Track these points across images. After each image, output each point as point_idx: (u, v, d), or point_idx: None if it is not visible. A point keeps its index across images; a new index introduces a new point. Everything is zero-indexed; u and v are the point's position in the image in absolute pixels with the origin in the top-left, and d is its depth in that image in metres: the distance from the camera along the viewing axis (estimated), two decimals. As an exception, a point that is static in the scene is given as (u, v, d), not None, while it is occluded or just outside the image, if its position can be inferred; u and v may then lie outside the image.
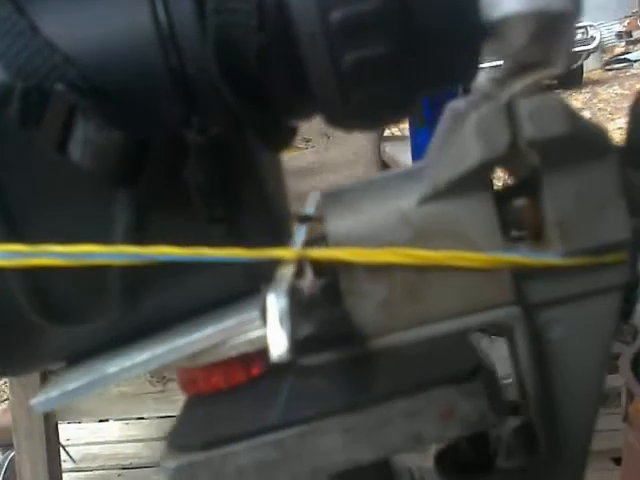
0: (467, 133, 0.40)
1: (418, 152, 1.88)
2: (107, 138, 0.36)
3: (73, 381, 0.43)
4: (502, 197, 0.44)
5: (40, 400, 0.43)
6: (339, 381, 0.42)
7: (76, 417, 2.05)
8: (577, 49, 6.93)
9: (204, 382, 0.45)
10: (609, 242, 0.42)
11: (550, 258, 0.43)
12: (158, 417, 2.31)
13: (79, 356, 0.45)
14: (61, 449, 1.92)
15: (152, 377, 1.79)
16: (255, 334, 0.42)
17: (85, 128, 0.36)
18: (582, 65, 7.16)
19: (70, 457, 2.10)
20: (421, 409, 0.39)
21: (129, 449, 2.22)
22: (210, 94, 0.38)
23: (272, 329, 0.36)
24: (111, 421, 2.37)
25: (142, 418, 2.34)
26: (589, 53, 7.10)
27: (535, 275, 0.44)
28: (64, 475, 1.89)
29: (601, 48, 7.35)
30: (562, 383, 0.45)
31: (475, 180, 0.41)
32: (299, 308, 0.39)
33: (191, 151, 0.38)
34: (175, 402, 1.78)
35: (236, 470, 0.40)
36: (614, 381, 2.19)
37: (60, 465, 1.87)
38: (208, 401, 0.44)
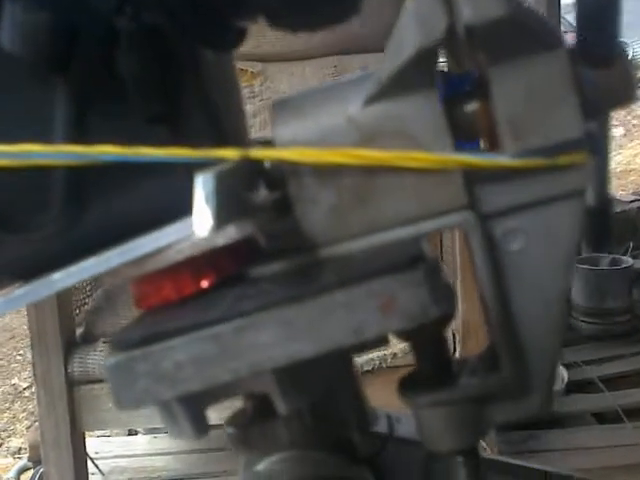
0: (404, 21, 0.39)
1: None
2: (35, 21, 0.36)
3: (18, 290, 0.43)
4: (452, 101, 0.43)
5: (-14, 307, 0.42)
6: (284, 281, 0.41)
7: (102, 426, 2.04)
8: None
9: (155, 295, 0.44)
10: (562, 141, 0.41)
11: (502, 159, 0.42)
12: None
13: (33, 273, 0.45)
14: (90, 462, 1.92)
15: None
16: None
17: (13, 11, 0.36)
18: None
19: (99, 470, 2.10)
20: (360, 300, 0.38)
21: (157, 462, 2.21)
22: None
23: (197, 207, 0.36)
24: (140, 434, 2.37)
25: (170, 431, 2.33)
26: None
27: (490, 181, 0.43)
28: (92, 487, 1.89)
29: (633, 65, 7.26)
30: (523, 297, 0.44)
31: (418, 74, 0.40)
32: (233, 198, 0.38)
33: (122, 39, 0.38)
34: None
35: (174, 364, 0.39)
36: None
37: (87, 477, 1.87)
38: (157, 312, 0.44)
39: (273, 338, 0.38)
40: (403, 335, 0.46)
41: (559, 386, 2.17)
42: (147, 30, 0.38)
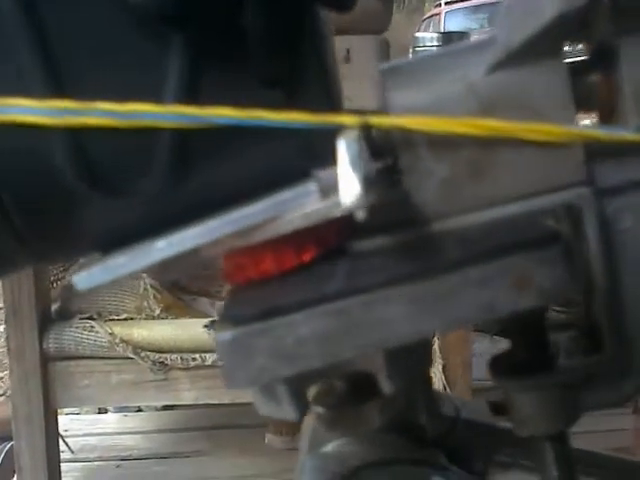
0: (546, -16, 0.37)
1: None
2: None
3: (117, 258, 0.40)
4: (573, 72, 0.41)
5: (82, 276, 0.40)
6: (402, 255, 0.39)
7: (76, 404, 2.00)
8: None
9: (253, 268, 0.42)
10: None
11: (627, 133, 0.40)
12: (157, 409, 2.28)
13: (122, 240, 0.42)
14: (60, 439, 1.89)
15: (154, 365, 1.76)
16: (312, 207, 0.39)
17: None
18: None
19: (68, 447, 2.06)
20: (494, 277, 0.37)
21: (128, 441, 2.18)
22: None
23: (344, 173, 0.34)
24: (109, 413, 2.34)
25: (140, 410, 2.31)
26: None
27: (606, 156, 0.41)
28: (62, 465, 1.86)
29: None
30: (630, 276, 0.43)
31: (550, 42, 0.39)
32: (369, 160, 0.36)
33: None
34: (177, 391, 1.75)
35: (296, 340, 0.37)
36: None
37: (59, 454, 1.84)
38: (257, 284, 0.41)
39: (401, 314, 0.37)
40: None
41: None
42: None
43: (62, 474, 1.84)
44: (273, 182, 0.40)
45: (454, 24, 9.79)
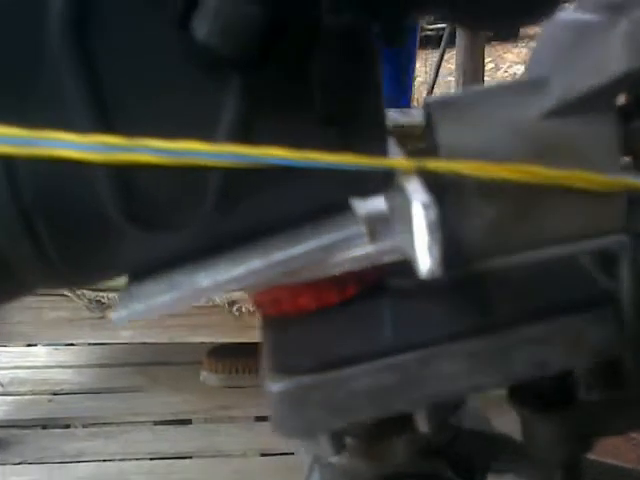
0: (613, 41, 0.37)
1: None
2: (244, 14, 0.32)
3: (158, 294, 0.39)
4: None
5: (122, 314, 0.39)
6: (452, 304, 0.39)
7: (7, 340, 1.97)
8: None
9: (290, 303, 0.41)
10: None
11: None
12: (89, 343, 2.25)
13: (155, 267, 0.41)
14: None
15: (90, 303, 1.73)
16: (360, 251, 0.39)
17: (218, 3, 0.32)
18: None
19: (-2, 381, 2.04)
20: (549, 336, 0.37)
21: (59, 374, 2.15)
22: None
23: (421, 241, 0.33)
24: (39, 346, 2.29)
25: (72, 344, 2.28)
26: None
27: (642, 202, 0.41)
28: (-8, 399, 1.84)
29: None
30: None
31: (608, 96, 0.38)
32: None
33: (321, 38, 0.34)
34: (113, 330, 1.73)
35: (349, 394, 0.37)
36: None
37: (-12, 388, 1.82)
38: (297, 323, 0.41)
39: (457, 370, 0.37)
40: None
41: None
42: (347, 29, 0.35)
43: (-7, 408, 1.82)
44: (317, 214, 0.40)
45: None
